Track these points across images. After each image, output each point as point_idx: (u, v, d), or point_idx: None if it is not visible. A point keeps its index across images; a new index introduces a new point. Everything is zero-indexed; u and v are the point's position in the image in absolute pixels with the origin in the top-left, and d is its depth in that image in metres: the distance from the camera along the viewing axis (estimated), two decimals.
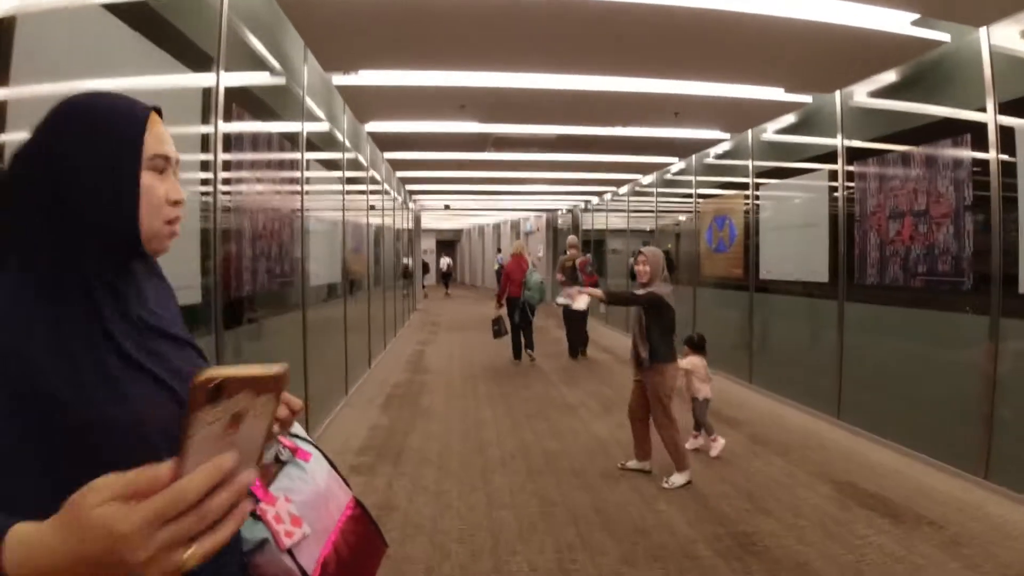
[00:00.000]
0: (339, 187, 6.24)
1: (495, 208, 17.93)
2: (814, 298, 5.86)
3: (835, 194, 5.57)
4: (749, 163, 7.08)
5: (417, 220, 17.68)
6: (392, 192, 11.30)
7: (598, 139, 7.16)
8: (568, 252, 9.34)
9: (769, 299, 6.71)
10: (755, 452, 4.71)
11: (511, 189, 12.27)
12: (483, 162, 8.69)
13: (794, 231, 6.23)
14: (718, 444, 4.64)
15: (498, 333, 8.15)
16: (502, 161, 8.59)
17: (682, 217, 9.63)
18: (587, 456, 4.65)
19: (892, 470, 4.35)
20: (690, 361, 4.72)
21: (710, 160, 8.31)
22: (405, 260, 11.10)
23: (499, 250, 22.28)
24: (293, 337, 4.62)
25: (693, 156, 8.64)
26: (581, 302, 4.65)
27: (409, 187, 12.55)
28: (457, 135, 6.97)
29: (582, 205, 15.98)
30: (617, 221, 13.16)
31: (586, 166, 9.19)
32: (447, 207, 16.21)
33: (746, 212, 7.20)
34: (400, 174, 10.58)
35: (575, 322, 8.95)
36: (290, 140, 4.61)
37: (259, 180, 3.88)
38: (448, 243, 31.84)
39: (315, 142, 5.39)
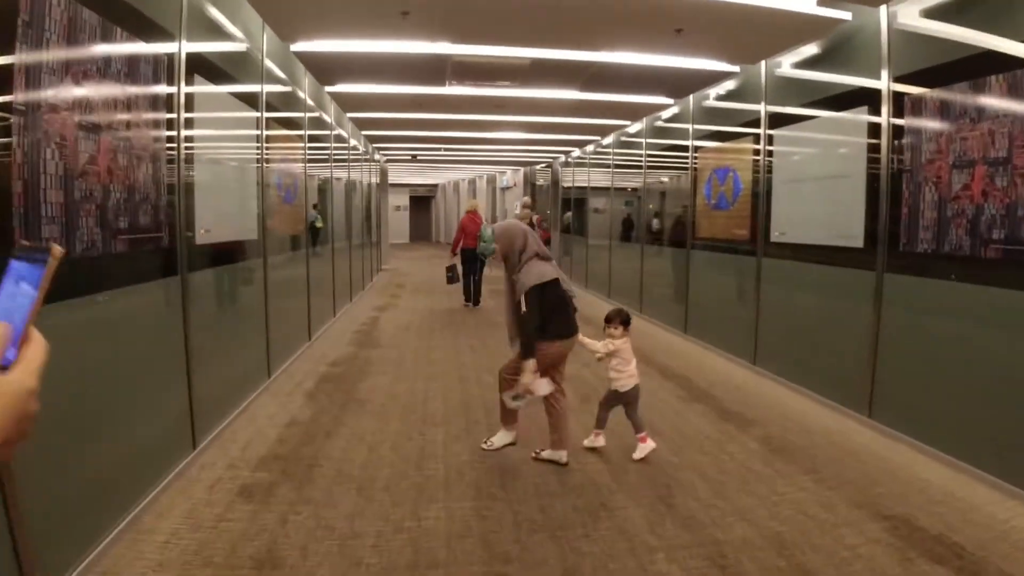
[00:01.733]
0: (253, 124, 4.94)
1: (469, 160, 16.52)
2: (843, 267, 4.76)
3: (877, 138, 4.41)
4: (761, 107, 5.87)
5: (384, 173, 16.23)
6: (350, 138, 9.92)
7: (579, 67, 5.88)
8: (522, 211, 10.39)
9: (782, 266, 5.60)
10: (777, 469, 3.65)
11: (483, 136, 10.89)
12: (445, 100, 7.36)
13: (817, 185, 5.09)
14: (646, 446, 3.74)
15: (451, 279, 8.67)
16: (467, 99, 7.27)
17: (664, 179, 8.45)
18: (557, 475, 3.56)
19: (950, 495, 3.33)
20: (608, 342, 3.84)
21: (711, 103, 7.08)
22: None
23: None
24: (161, 315, 3.41)
25: (691, 97, 7.39)
26: None
27: (367, 132, 11.11)
28: (408, 60, 5.64)
29: (562, 158, 14.67)
30: (600, 177, 11.93)
31: (565, 108, 7.88)
32: (414, 157, 14.81)
33: (755, 162, 6.03)
34: (352, 115, 9.17)
35: None
36: (167, 61, 3.37)
37: (83, 99, 2.61)
38: (423, 199, 30.33)
39: (216, 64, 4.12)
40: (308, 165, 7.22)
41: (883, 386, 4.34)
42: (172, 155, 3.46)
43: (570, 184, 14.05)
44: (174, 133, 3.47)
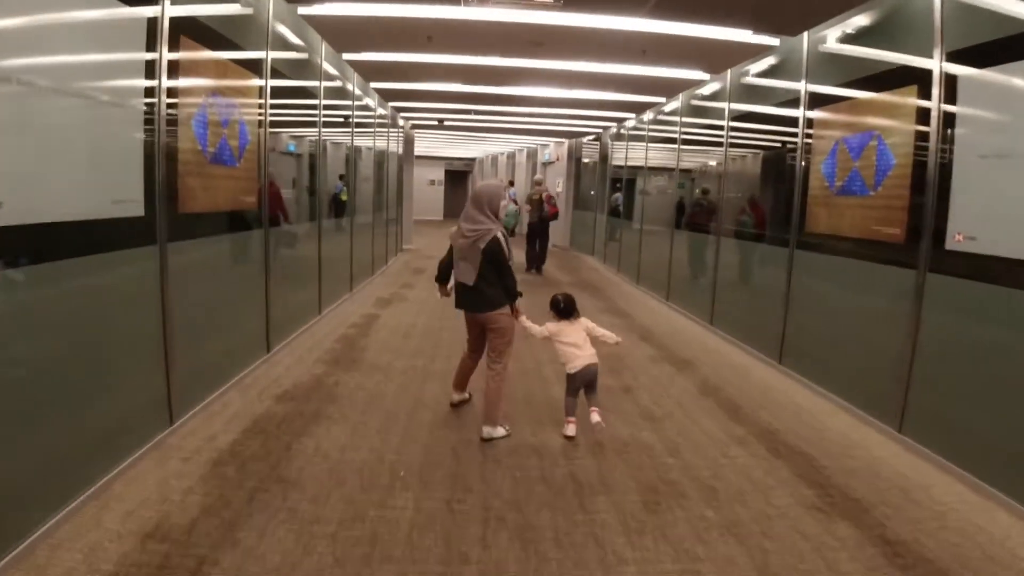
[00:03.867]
0: (138, 39, 3.13)
1: (505, 130, 14.48)
2: None
3: None
4: (936, 59, 3.78)
5: (409, 141, 14.38)
6: (355, 92, 8.09)
7: None
8: (535, 188, 11.64)
9: (969, 291, 3.56)
10: None
11: (518, 94, 8.78)
12: (464, 32, 5.41)
13: None
14: (597, 418, 3.71)
15: None
16: (493, 30, 5.30)
17: (752, 153, 6.38)
18: None
19: None
20: (547, 327, 3.89)
21: (833, 45, 4.97)
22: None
23: (511, 183, 19.00)
24: None
25: (804, 36, 5.27)
26: None
27: (378, 85, 9.18)
28: None
29: (613, 129, 12.55)
30: (660, 153, 9.84)
31: (624, 47, 5.75)
32: (441, 123, 12.90)
33: (920, 123, 3.96)
34: (349, 57, 7.17)
35: (533, 243, 11.33)
36: None
37: None
38: (459, 173, 28.48)
39: None
40: (287, 123, 5.45)
41: None
42: None
43: (622, 162, 11.95)
44: None
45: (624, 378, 5.00)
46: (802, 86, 5.32)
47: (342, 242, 7.99)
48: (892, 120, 4.23)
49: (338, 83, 7.25)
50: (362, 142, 9.17)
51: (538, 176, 12.52)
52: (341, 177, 8.31)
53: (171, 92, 3.37)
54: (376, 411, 4.03)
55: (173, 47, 3.35)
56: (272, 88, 4.95)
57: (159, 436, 3.40)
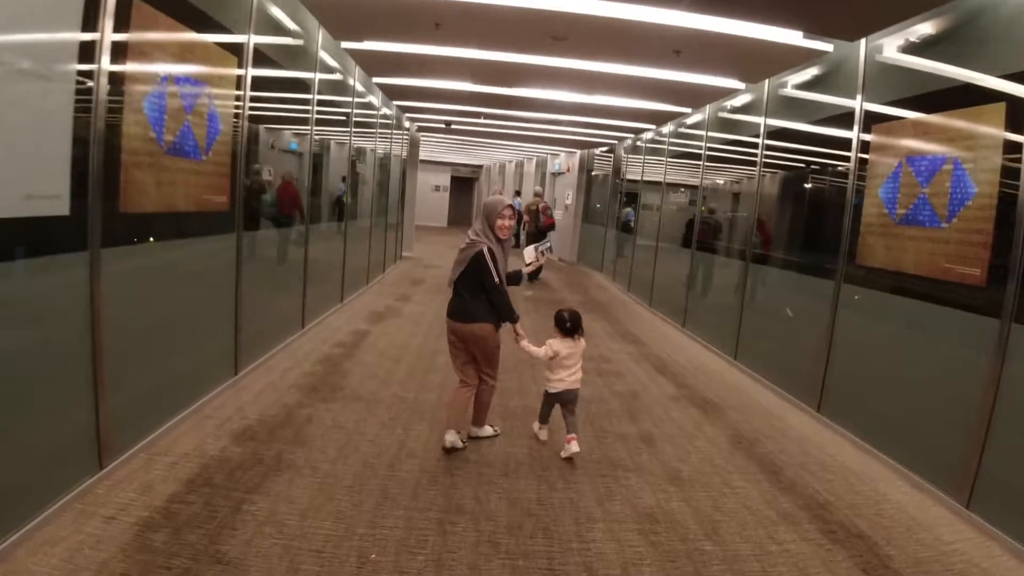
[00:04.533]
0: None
1: (515, 137, 13.81)
2: None
3: None
4: None
5: (414, 144, 13.76)
6: (355, 87, 7.51)
7: None
8: (533, 199, 12.31)
9: None
10: None
11: (532, 97, 8.11)
12: (477, 17, 4.78)
13: None
14: (571, 447, 3.60)
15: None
16: (511, 16, 4.67)
17: (788, 174, 5.77)
18: None
19: None
20: (551, 346, 3.69)
21: (891, 56, 4.36)
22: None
23: (517, 192, 18.40)
24: None
25: (862, 43, 4.66)
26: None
27: (380, 80, 8.53)
28: None
29: (628, 141, 11.94)
30: (680, 171, 9.23)
31: (647, 42, 5.08)
32: (448, 125, 12.28)
33: (1009, 148, 3.34)
34: (348, 46, 6.49)
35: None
36: None
37: None
38: (465, 180, 27.90)
39: None
40: (273, 118, 4.84)
41: None
42: None
43: (638, 176, 11.33)
44: None
45: (643, 423, 4.35)
46: (857, 102, 4.69)
47: (335, 247, 7.38)
48: (973, 142, 3.60)
49: (337, 76, 6.65)
50: (364, 142, 8.58)
51: (537, 188, 13.58)
52: (343, 179, 7.74)
53: (116, 60, 2.76)
54: (351, 459, 3.38)
55: (120, 7, 2.74)
56: (257, 75, 4.35)
57: (84, 484, 2.78)
